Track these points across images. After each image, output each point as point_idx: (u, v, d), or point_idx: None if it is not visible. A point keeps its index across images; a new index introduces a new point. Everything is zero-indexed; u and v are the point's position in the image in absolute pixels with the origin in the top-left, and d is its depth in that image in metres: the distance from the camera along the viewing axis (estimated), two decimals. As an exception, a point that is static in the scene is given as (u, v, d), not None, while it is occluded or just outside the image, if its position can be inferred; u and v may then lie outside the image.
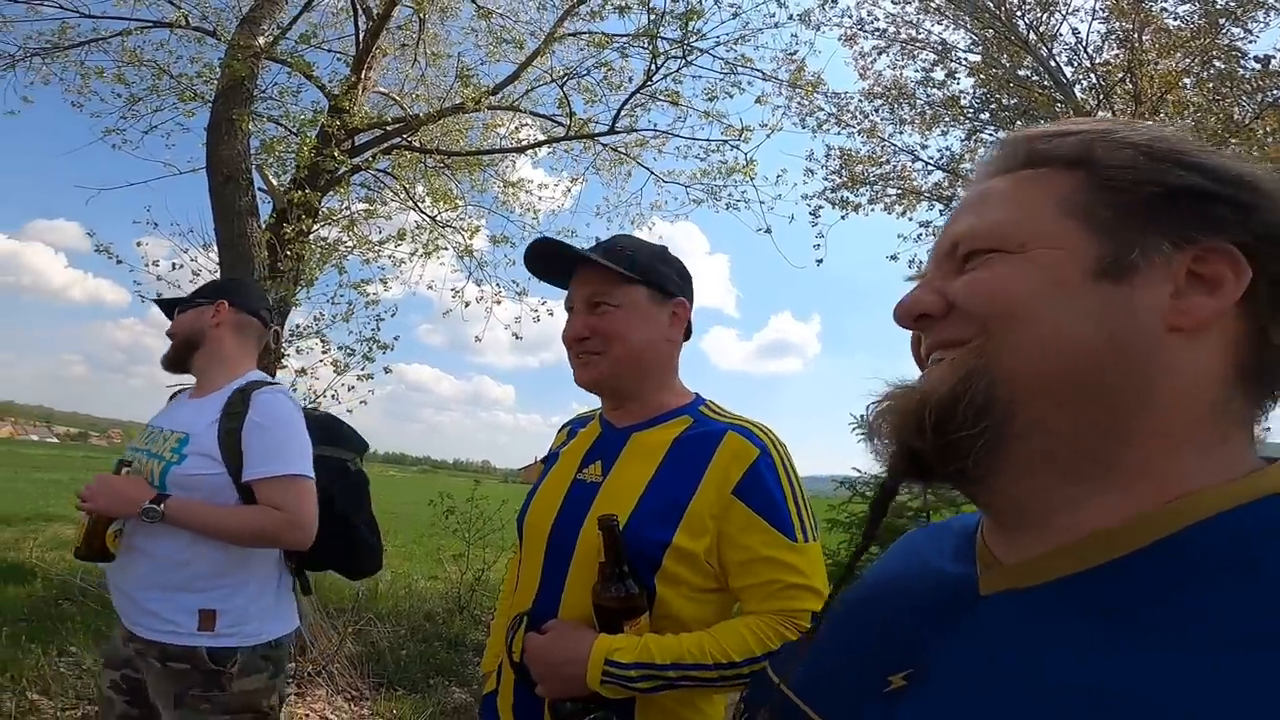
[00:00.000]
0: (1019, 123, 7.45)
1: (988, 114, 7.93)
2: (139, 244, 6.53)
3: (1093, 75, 7.25)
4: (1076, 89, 7.27)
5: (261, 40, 6.12)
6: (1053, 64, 7.33)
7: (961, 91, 7.86)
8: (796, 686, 0.58)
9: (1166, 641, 0.39)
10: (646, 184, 7.73)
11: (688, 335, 1.34)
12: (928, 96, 7.93)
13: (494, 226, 8.02)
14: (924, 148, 8.14)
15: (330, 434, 2.03)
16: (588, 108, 7.02)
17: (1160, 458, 0.46)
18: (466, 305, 7.47)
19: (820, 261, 7.58)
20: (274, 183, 6.33)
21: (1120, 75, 6.93)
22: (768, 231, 7.32)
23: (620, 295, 1.24)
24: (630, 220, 8.14)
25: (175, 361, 1.98)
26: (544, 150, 7.63)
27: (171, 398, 2.09)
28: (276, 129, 6.58)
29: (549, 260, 1.29)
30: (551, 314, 7.46)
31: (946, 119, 7.92)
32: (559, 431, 1.52)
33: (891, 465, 0.52)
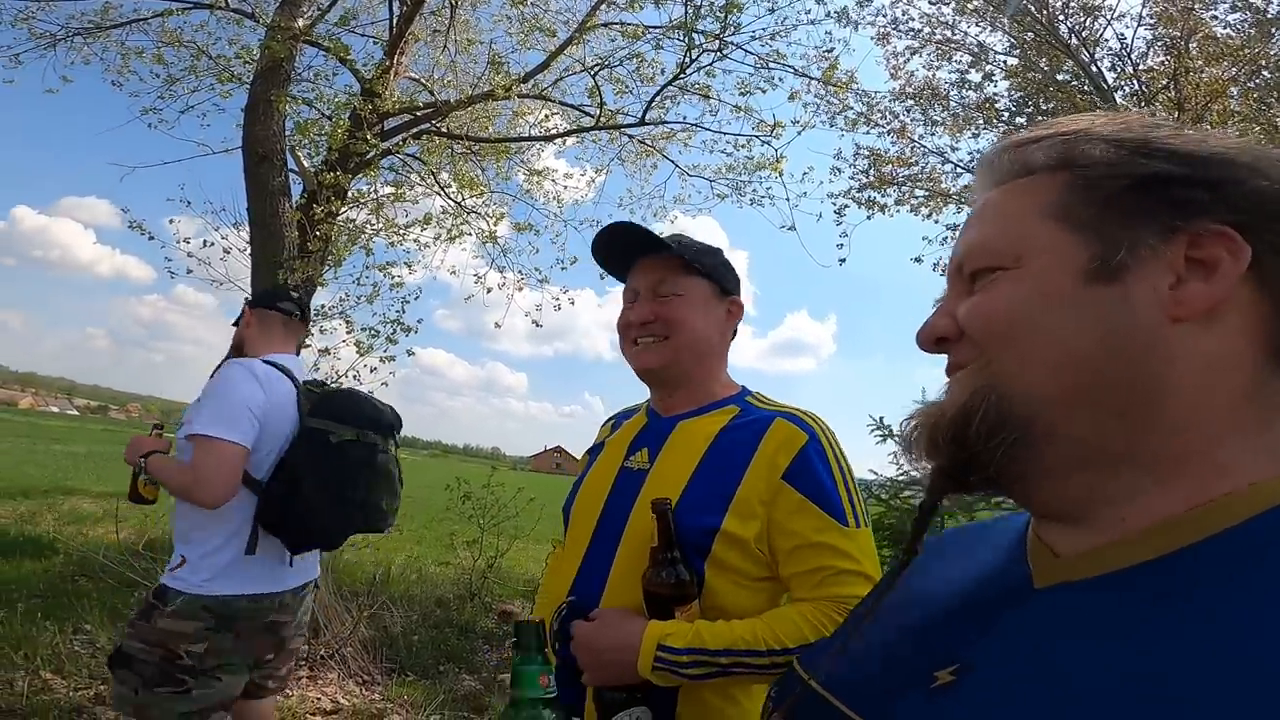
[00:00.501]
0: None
1: (1024, 117, 7.74)
2: (171, 221, 6.50)
3: (1135, 81, 7.05)
4: (1118, 95, 7.08)
5: (301, 22, 6.05)
6: (1094, 69, 7.13)
7: (997, 94, 7.68)
8: (829, 682, 0.57)
9: (1222, 632, 0.38)
10: (671, 177, 7.61)
11: (734, 334, 1.36)
12: (961, 98, 7.75)
13: (517, 214, 7.89)
14: (954, 150, 7.97)
15: (324, 408, 2.08)
16: (617, 99, 6.91)
17: (1199, 448, 0.45)
18: (489, 291, 7.39)
19: (843, 261, 7.44)
20: (306, 164, 6.27)
21: (1164, 82, 6.73)
22: (792, 229, 7.19)
23: (686, 285, 1.28)
24: (653, 213, 8.02)
25: (235, 350, 2.25)
26: (571, 140, 7.52)
27: None
28: (310, 111, 6.50)
29: (618, 243, 1.31)
30: (573, 303, 7.35)
31: (979, 121, 7.74)
32: (603, 425, 1.51)
33: (930, 483, 0.53)
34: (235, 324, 2.29)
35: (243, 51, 6.46)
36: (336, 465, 2.01)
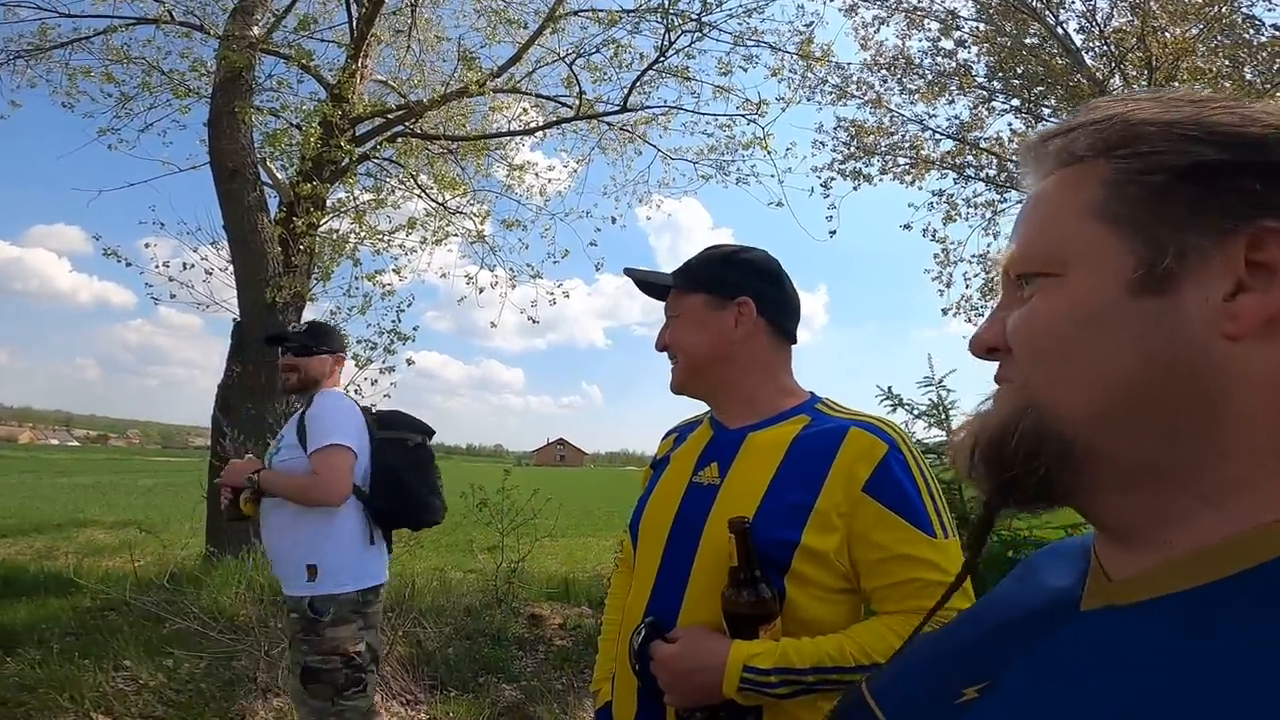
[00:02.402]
0: (1037, 90, 7.22)
1: (998, 82, 7.68)
2: (147, 245, 6.31)
3: (1104, 42, 6.98)
4: (1087, 56, 7.01)
5: (256, 31, 5.84)
6: (1060, 31, 7.05)
7: (969, 60, 7.62)
8: (875, 689, 0.56)
9: (1260, 668, 0.34)
10: (654, 162, 7.52)
11: (788, 336, 1.29)
12: (935, 66, 7.68)
13: (502, 210, 7.77)
14: (932, 116, 7.90)
15: (389, 422, 2.49)
16: (595, 87, 6.78)
17: (1252, 473, 0.41)
18: (481, 291, 7.28)
19: (834, 233, 7.41)
20: (279, 176, 6.09)
21: (1133, 42, 6.66)
22: (780, 205, 7.14)
23: (681, 305, 1.28)
24: (638, 199, 7.91)
25: (300, 390, 2.43)
26: (550, 132, 7.38)
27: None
28: (278, 121, 6.31)
29: (644, 287, 1.35)
30: (567, 296, 7.27)
31: (953, 88, 7.68)
32: (664, 439, 1.45)
33: (985, 498, 0.49)
34: (299, 354, 2.42)
35: (197, 64, 6.19)
36: (418, 462, 2.44)
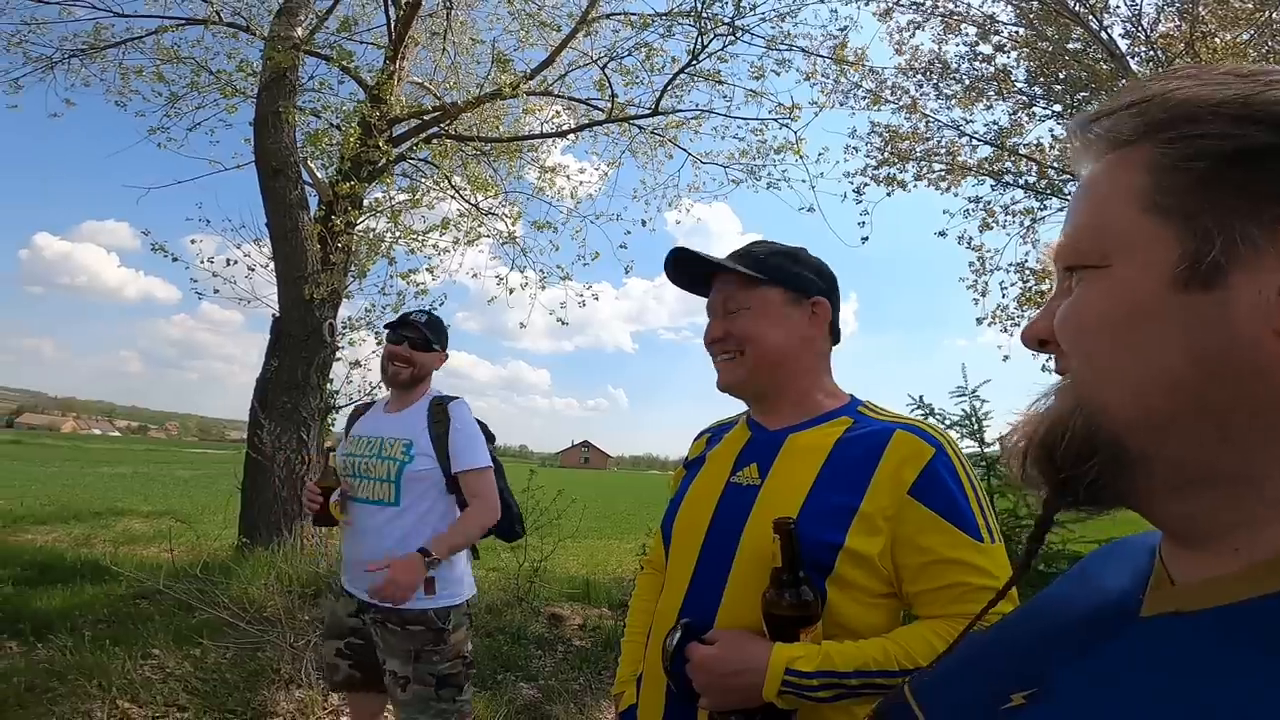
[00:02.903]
0: (1080, 95, 7.04)
1: (1039, 88, 7.49)
2: (193, 241, 6.41)
3: (1150, 48, 6.77)
4: (1133, 62, 6.80)
5: (300, 32, 5.92)
6: (1104, 36, 6.86)
7: (1009, 65, 7.45)
8: (917, 690, 0.55)
9: None
10: (684, 166, 7.47)
11: (836, 338, 1.29)
12: (972, 71, 7.52)
13: (533, 212, 7.78)
14: (969, 122, 7.73)
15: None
16: (627, 90, 6.76)
17: None
18: (511, 292, 7.29)
19: (866, 239, 7.28)
20: (319, 176, 6.17)
21: (1180, 47, 6.45)
22: (812, 210, 7.05)
23: (752, 298, 1.22)
24: (668, 203, 7.87)
25: (408, 385, 2.32)
26: (582, 135, 7.37)
27: (359, 413, 2.48)
28: (319, 121, 6.40)
29: (683, 268, 1.28)
30: (596, 298, 7.24)
31: (990, 93, 7.51)
32: (696, 440, 1.43)
33: (1042, 500, 0.47)
34: (417, 347, 2.31)
35: (243, 65, 6.29)
36: (501, 472, 2.43)
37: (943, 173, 7.74)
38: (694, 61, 6.30)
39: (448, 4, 6.77)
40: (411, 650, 2.15)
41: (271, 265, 5.89)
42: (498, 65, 6.38)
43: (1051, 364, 0.48)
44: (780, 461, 1.17)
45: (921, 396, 3.66)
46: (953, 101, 7.58)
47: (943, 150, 7.79)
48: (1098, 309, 0.42)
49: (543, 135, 7.38)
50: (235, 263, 6.22)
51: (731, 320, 1.22)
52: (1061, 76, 7.28)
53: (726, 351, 1.22)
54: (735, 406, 1.35)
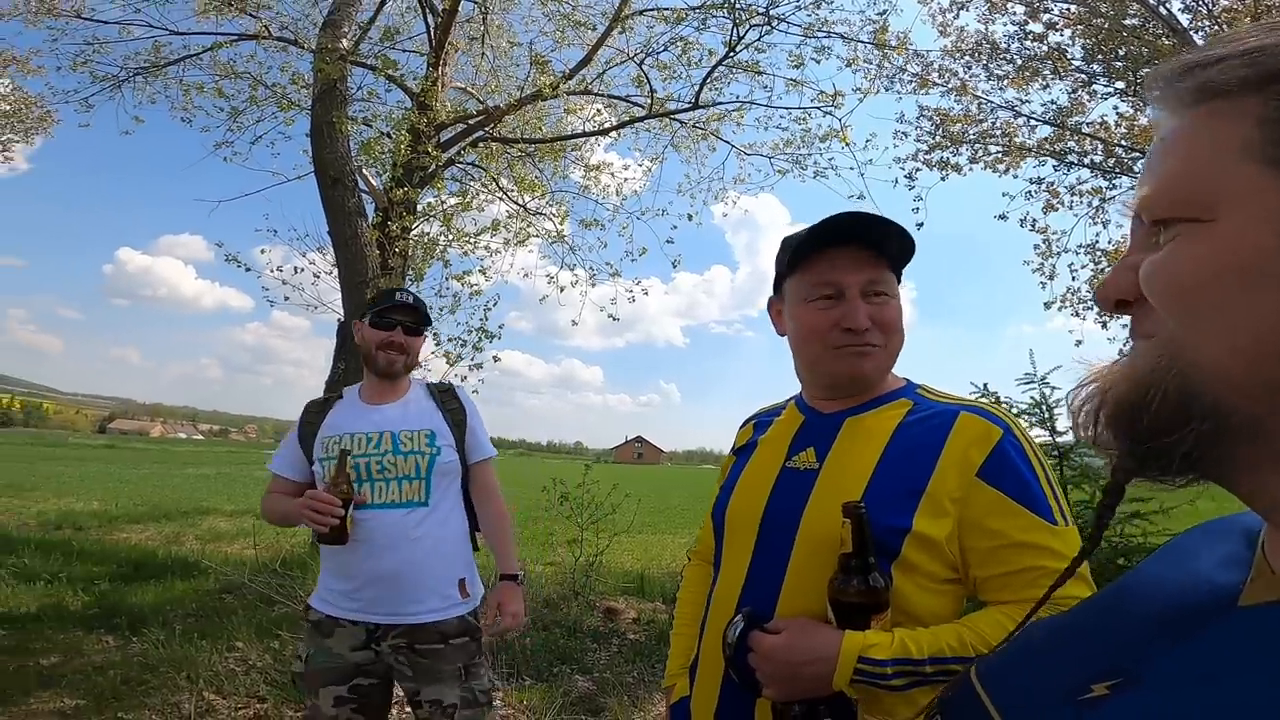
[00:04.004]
0: (1143, 72, 6.64)
1: (1098, 65, 7.08)
2: (262, 251, 6.63)
3: (1213, 22, 6.32)
4: (1196, 37, 6.37)
5: (345, 43, 6.04)
6: (1165, 11, 6.43)
7: (1063, 44, 7.06)
8: (984, 676, 0.52)
9: None
10: (729, 158, 7.35)
11: None
12: (1024, 50, 7.16)
13: (579, 210, 7.78)
14: (1024, 102, 7.35)
15: None
16: (665, 85, 6.68)
17: None
18: (561, 290, 7.31)
19: (921, 225, 7.04)
20: (374, 183, 6.30)
21: (1247, 21, 6.01)
22: (861, 198, 6.85)
23: (894, 285, 1.14)
24: (714, 196, 7.76)
25: (401, 375, 2.05)
26: (623, 131, 7.33)
27: (319, 410, 2.06)
28: (370, 130, 6.53)
29: (843, 230, 1.11)
30: (646, 293, 7.20)
31: (1046, 72, 7.13)
32: (743, 427, 1.37)
33: (1112, 468, 0.43)
34: (411, 332, 2.03)
35: (296, 77, 6.46)
36: None
37: (1000, 154, 7.39)
38: (731, 54, 6.17)
39: (483, 9, 6.81)
40: (460, 667, 1.87)
41: (335, 272, 6.04)
42: (536, 67, 6.38)
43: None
44: (839, 445, 1.12)
45: (986, 385, 3.48)
46: (1005, 82, 7.23)
47: (998, 132, 7.43)
48: (1202, 264, 0.39)
49: (585, 134, 7.37)
50: (301, 270, 6.41)
51: (878, 307, 1.11)
52: (1121, 53, 6.86)
53: (871, 343, 1.10)
54: (786, 396, 1.27)
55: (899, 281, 1.17)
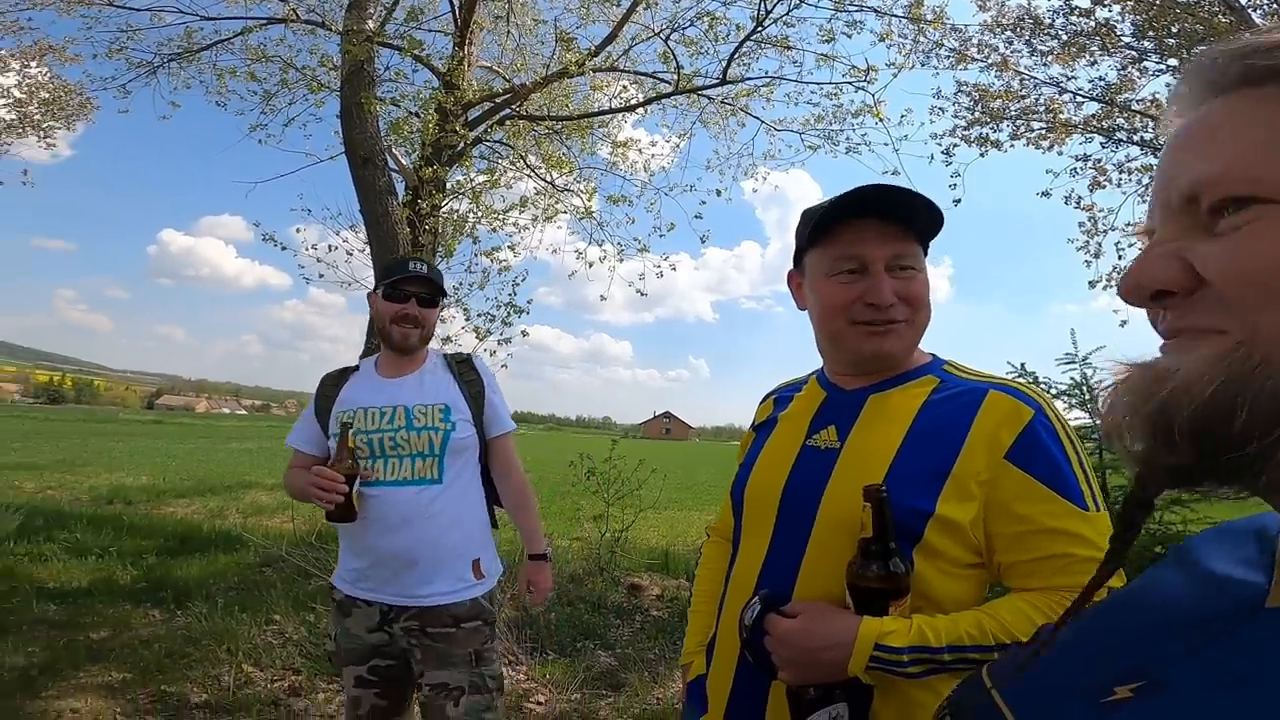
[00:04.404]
0: (1198, 49, 6.29)
1: (1149, 42, 6.72)
2: (297, 230, 6.71)
3: (1273, 0, 5.93)
4: (1255, 14, 5.99)
5: (371, 24, 6.01)
6: None
7: (1111, 20, 6.70)
8: (997, 677, 0.51)
9: None
10: (758, 134, 7.16)
11: None
12: (1069, 25, 6.81)
13: (608, 187, 7.70)
14: (1070, 78, 7.02)
15: None
16: (692, 61, 6.52)
17: None
18: (590, 266, 7.27)
19: (958, 202, 6.80)
20: (404, 162, 6.31)
21: None
22: (896, 174, 6.64)
23: (920, 258, 1.08)
24: (744, 172, 7.59)
25: (416, 349, 1.98)
26: (651, 108, 7.20)
27: (335, 383, 2.01)
28: (398, 110, 6.52)
29: (869, 203, 1.05)
30: (674, 269, 7.13)
31: (1093, 48, 6.78)
32: (763, 403, 1.34)
33: (1145, 477, 0.40)
34: (426, 304, 1.96)
35: (325, 60, 6.48)
36: None
37: (1043, 131, 7.09)
38: (759, 28, 6.00)
39: (505, -15, 6.71)
40: (470, 652, 1.81)
41: (367, 249, 6.09)
42: (561, 44, 6.29)
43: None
44: (862, 423, 1.08)
45: (1024, 364, 3.35)
46: (1049, 58, 6.90)
47: (1041, 108, 7.11)
48: None
49: (611, 111, 7.25)
50: (335, 249, 6.49)
51: (905, 282, 1.06)
52: (1174, 30, 6.49)
53: (896, 319, 1.05)
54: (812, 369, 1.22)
55: (925, 254, 1.11)
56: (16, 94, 7.72)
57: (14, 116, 7.75)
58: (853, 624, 0.93)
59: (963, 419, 1.00)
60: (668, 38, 6.33)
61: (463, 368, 1.98)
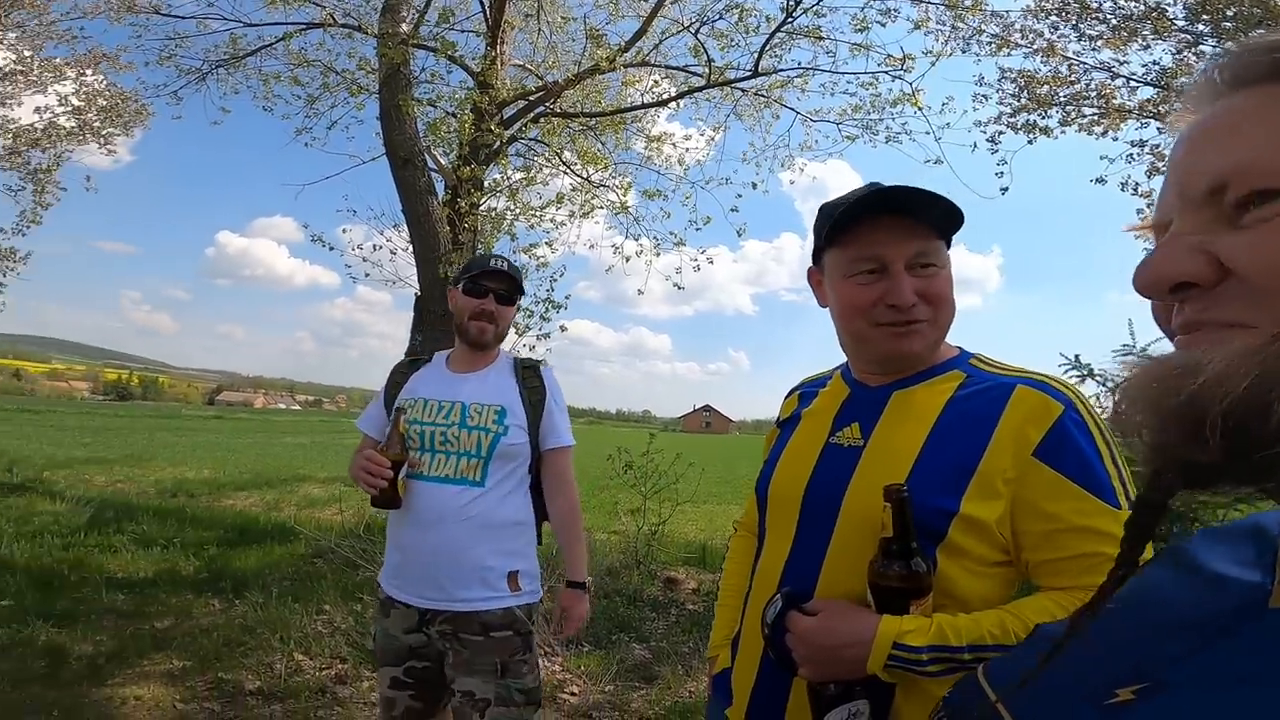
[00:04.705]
0: (1256, 33, 5.95)
1: (1204, 25, 6.38)
2: (344, 230, 6.89)
3: None
4: None
5: (405, 27, 6.10)
6: None
7: (1163, 3, 6.38)
8: (993, 678, 0.50)
9: None
10: (794, 125, 7.04)
11: None
12: (1117, 9, 6.50)
13: (643, 182, 7.68)
14: (1122, 63, 6.71)
15: None
16: (723, 54, 6.45)
17: None
18: (627, 260, 7.28)
19: (1005, 190, 6.58)
20: (443, 162, 6.41)
21: None
22: (939, 162, 6.47)
23: (943, 255, 1.05)
24: (780, 164, 7.49)
25: (490, 347, 1.97)
26: (683, 102, 7.15)
27: (406, 371, 2.03)
28: (435, 111, 6.62)
29: (878, 204, 1.02)
30: (711, 262, 7.09)
31: (1145, 32, 6.46)
32: (787, 398, 1.33)
33: (1160, 477, 0.39)
34: (504, 301, 1.94)
35: (363, 62, 6.62)
36: None
37: (1095, 117, 6.80)
38: (789, 19, 5.90)
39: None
40: (497, 663, 1.77)
41: (410, 248, 6.22)
42: (592, 41, 6.29)
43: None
44: (885, 420, 1.06)
45: (1078, 356, 3.22)
46: (1099, 43, 6.61)
47: (1093, 94, 6.82)
48: None
49: (644, 106, 7.24)
50: (380, 248, 6.65)
51: (926, 280, 1.03)
52: (1230, 14, 6.15)
53: (919, 319, 1.03)
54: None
55: (948, 247, 1.08)
56: (75, 101, 8.07)
57: (74, 124, 8.10)
58: (872, 623, 0.92)
59: (989, 415, 0.97)
60: (697, 31, 6.27)
61: (528, 373, 1.95)
